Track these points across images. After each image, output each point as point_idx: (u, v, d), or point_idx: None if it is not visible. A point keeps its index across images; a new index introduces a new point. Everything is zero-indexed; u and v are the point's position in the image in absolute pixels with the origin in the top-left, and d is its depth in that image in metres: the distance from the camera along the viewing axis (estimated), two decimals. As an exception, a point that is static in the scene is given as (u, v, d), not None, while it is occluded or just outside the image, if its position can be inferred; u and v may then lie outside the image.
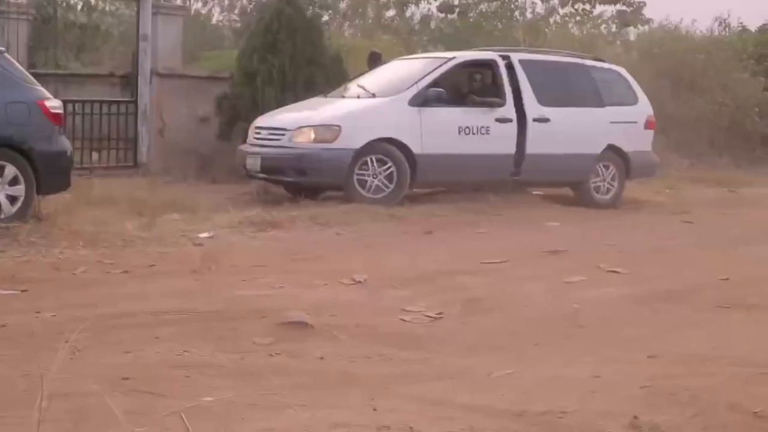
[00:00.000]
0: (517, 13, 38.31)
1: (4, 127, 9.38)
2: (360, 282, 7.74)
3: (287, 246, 9.41)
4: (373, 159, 11.95)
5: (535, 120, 12.86)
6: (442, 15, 41.02)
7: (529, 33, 33.11)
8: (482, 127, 12.53)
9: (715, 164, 19.14)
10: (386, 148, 11.99)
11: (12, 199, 9.53)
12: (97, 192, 11.49)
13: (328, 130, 11.81)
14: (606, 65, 14.28)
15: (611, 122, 13.37)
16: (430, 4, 42.27)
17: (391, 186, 12.00)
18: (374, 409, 4.47)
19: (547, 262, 8.84)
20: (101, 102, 15.15)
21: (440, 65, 12.85)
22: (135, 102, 15.43)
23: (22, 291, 7.06)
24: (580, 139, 13.07)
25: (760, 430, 4.29)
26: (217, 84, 15.93)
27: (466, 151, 12.32)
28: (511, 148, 12.78)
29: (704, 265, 8.94)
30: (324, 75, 14.62)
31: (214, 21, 32.93)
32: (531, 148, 12.84)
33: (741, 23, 27.21)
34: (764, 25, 25.65)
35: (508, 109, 12.78)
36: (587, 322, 6.54)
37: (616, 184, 13.57)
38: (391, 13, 42.27)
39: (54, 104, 9.88)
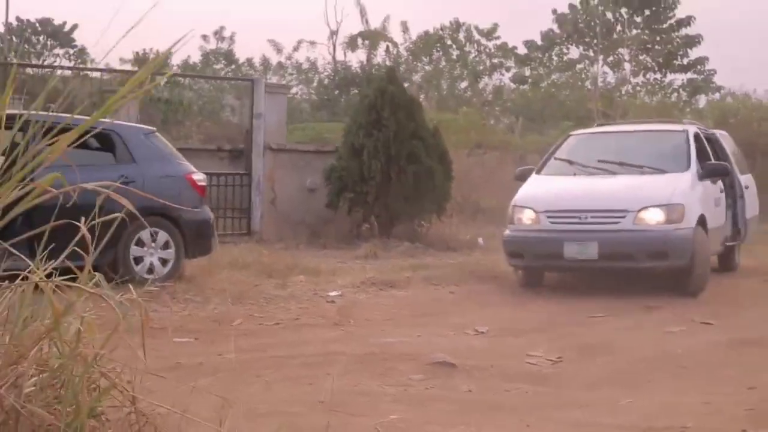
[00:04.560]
0: (588, 82, 39.55)
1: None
2: (483, 332, 8.80)
3: (408, 303, 10.50)
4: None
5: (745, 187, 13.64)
6: (515, 86, 42.36)
7: (603, 103, 34.16)
8: (719, 197, 12.65)
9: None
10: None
11: (163, 262, 10.75)
12: (227, 257, 12.68)
13: (675, 210, 11.00)
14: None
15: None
16: (503, 75, 43.63)
17: None
18: (527, 426, 5.51)
19: (647, 316, 9.81)
20: (218, 174, 16.43)
21: (685, 139, 12.21)
22: (249, 174, 16.70)
23: (195, 339, 8.22)
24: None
25: None
26: (322, 157, 17.19)
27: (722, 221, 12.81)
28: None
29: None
30: (425, 148, 15.82)
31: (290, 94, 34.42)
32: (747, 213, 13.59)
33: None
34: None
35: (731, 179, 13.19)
36: (689, 364, 7.51)
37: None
38: (464, 84, 43.73)
39: (199, 177, 11.14)
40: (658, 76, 38.25)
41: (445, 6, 65.22)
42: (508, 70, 42.81)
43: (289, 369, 7.02)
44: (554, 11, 38.62)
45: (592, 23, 37.28)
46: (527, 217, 11.38)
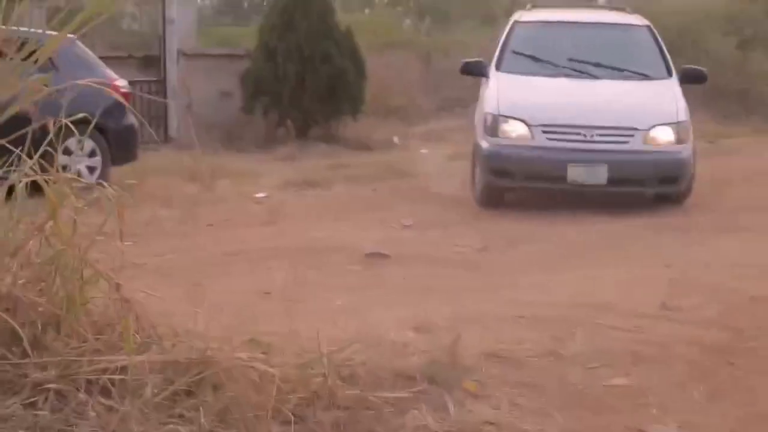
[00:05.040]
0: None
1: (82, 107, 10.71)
2: (408, 226, 9.18)
3: (333, 201, 10.83)
4: None
5: None
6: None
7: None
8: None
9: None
10: None
11: (91, 170, 10.88)
12: (150, 163, 12.81)
13: (683, 129, 10.15)
14: None
15: None
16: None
17: None
18: (462, 306, 5.92)
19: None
20: (131, 82, 16.39)
21: (653, 37, 11.31)
22: (163, 81, 16.73)
23: (133, 242, 8.44)
24: None
25: (755, 307, 5.77)
26: (235, 61, 17.25)
27: None
28: None
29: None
30: (338, 49, 16.01)
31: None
32: None
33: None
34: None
35: None
36: (607, 246, 8.02)
37: None
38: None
39: (122, 84, 11.22)
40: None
41: None
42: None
43: (230, 265, 7.32)
44: None
45: None
46: (516, 130, 9.99)
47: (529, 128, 9.92)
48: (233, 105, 16.90)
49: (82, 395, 3.29)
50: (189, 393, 3.39)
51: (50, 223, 3.59)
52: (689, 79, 10.87)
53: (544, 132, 9.88)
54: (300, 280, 6.71)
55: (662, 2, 25.68)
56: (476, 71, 11.26)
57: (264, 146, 16.00)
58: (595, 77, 10.68)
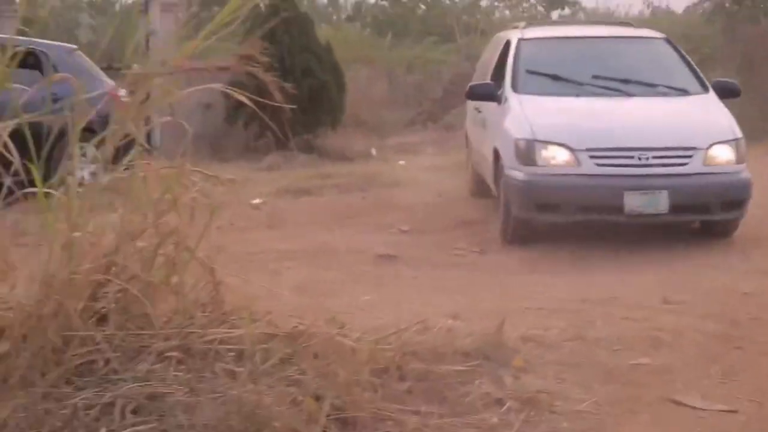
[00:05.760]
0: (446, -1, 40.46)
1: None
2: (405, 231, 9.69)
3: (327, 207, 11.30)
4: None
5: None
6: (373, 1, 42.93)
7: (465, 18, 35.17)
8: None
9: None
10: None
11: (93, 176, 11.28)
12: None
13: (741, 146, 8.98)
14: None
15: None
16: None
17: None
18: (481, 300, 6.46)
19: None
20: (115, 92, 16.80)
21: (674, 49, 10.56)
22: (146, 91, 17.10)
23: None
24: None
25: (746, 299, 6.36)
26: (215, 73, 17.63)
27: None
28: None
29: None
30: (319, 63, 16.52)
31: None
32: None
33: (668, 6, 29.50)
34: (688, 7, 27.89)
35: None
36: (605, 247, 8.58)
37: None
38: (323, 1, 44.06)
39: (122, 93, 11.64)
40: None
41: None
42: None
43: (250, 264, 7.78)
44: None
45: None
46: (558, 157, 8.81)
47: (573, 153, 8.73)
48: (216, 116, 17.31)
49: (199, 362, 3.77)
50: (289, 361, 3.89)
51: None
52: (724, 94, 9.82)
53: (592, 157, 8.69)
54: (320, 278, 7.25)
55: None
56: (485, 95, 10.20)
57: (246, 156, 16.45)
58: (628, 94, 9.78)
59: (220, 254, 4.49)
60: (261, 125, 16.71)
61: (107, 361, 3.63)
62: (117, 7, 29.15)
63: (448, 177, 13.03)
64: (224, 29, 4.33)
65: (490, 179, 9.97)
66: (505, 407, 4.07)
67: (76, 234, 3.92)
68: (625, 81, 9.86)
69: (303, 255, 8.17)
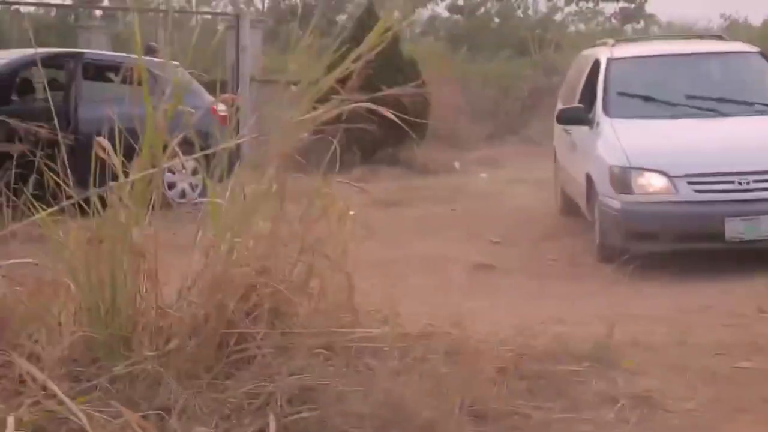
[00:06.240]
0: (519, 12, 40.75)
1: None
2: (497, 242, 10.04)
3: (419, 219, 11.68)
4: None
5: None
6: (447, 15, 43.31)
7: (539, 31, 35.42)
8: None
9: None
10: None
11: (193, 187, 11.81)
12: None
13: None
14: None
15: None
16: (437, 5, 44.53)
17: None
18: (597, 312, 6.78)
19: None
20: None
21: (763, 63, 10.38)
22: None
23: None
24: None
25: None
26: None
27: None
28: None
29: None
30: (403, 78, 16.91)
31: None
32: None
33: (746, 19, 29.51)
34: (767, 20, 27.90)
35: None
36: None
37: None
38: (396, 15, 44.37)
39: (221, 108, 12.14)
40: (591, 4, 39.49)
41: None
42: (442, -1, 43.51)
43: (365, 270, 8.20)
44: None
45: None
46: (655, 184, 8.64)
47: (670, 180, 8.54)
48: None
49: (342, 359, 4.17)
50: (423, 359, 4.27)
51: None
52: None
53: (690, 183, 8.49)
54: (429, 285, 7.62)
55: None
56: (577, 119, 10.09)
57: (332, 169, 16.85)
58: (724, 114, 9.52)
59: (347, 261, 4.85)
60: (348, 139, 17.18)
61: (263, 357, 4.04)
62: (193, 21, 30.03)
63: (532, 191, 13.34)
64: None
65: (582, 203, 9.89)
66: (619, 405, 4.40)
67: (237, 240, 4.30)
68: (721, 100, 9.66)
69: (406, 263, 8.54)
